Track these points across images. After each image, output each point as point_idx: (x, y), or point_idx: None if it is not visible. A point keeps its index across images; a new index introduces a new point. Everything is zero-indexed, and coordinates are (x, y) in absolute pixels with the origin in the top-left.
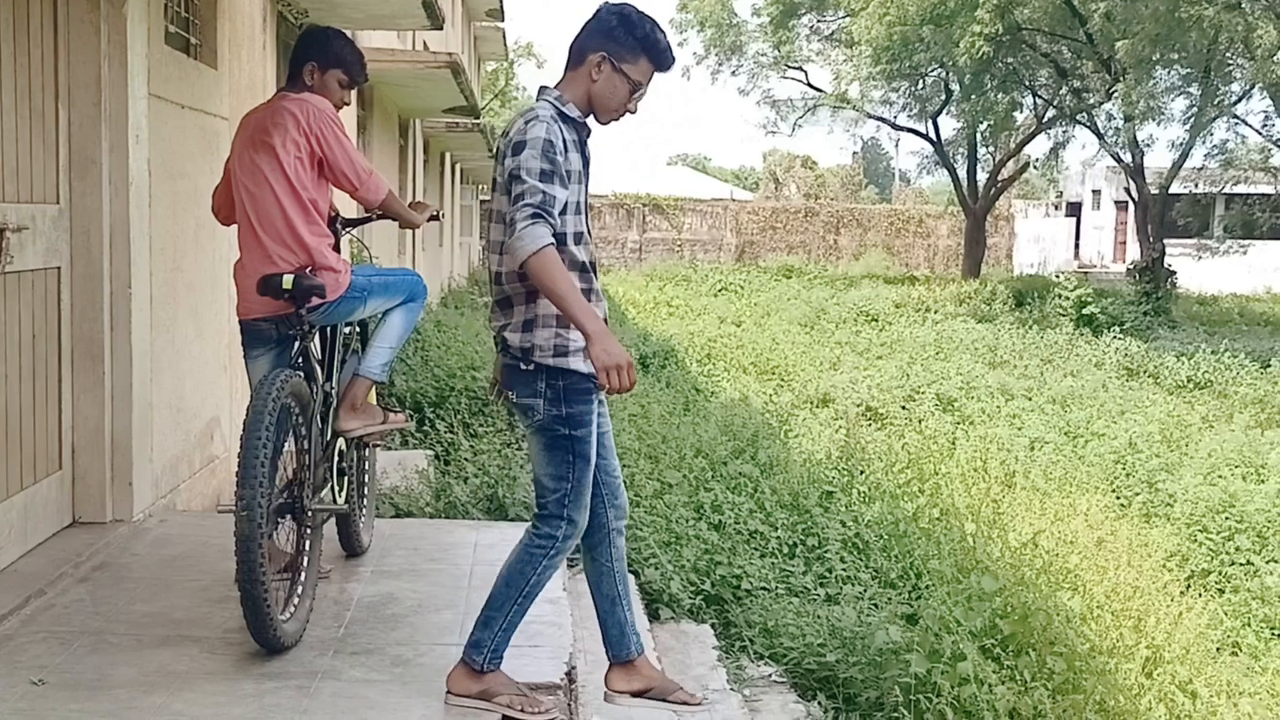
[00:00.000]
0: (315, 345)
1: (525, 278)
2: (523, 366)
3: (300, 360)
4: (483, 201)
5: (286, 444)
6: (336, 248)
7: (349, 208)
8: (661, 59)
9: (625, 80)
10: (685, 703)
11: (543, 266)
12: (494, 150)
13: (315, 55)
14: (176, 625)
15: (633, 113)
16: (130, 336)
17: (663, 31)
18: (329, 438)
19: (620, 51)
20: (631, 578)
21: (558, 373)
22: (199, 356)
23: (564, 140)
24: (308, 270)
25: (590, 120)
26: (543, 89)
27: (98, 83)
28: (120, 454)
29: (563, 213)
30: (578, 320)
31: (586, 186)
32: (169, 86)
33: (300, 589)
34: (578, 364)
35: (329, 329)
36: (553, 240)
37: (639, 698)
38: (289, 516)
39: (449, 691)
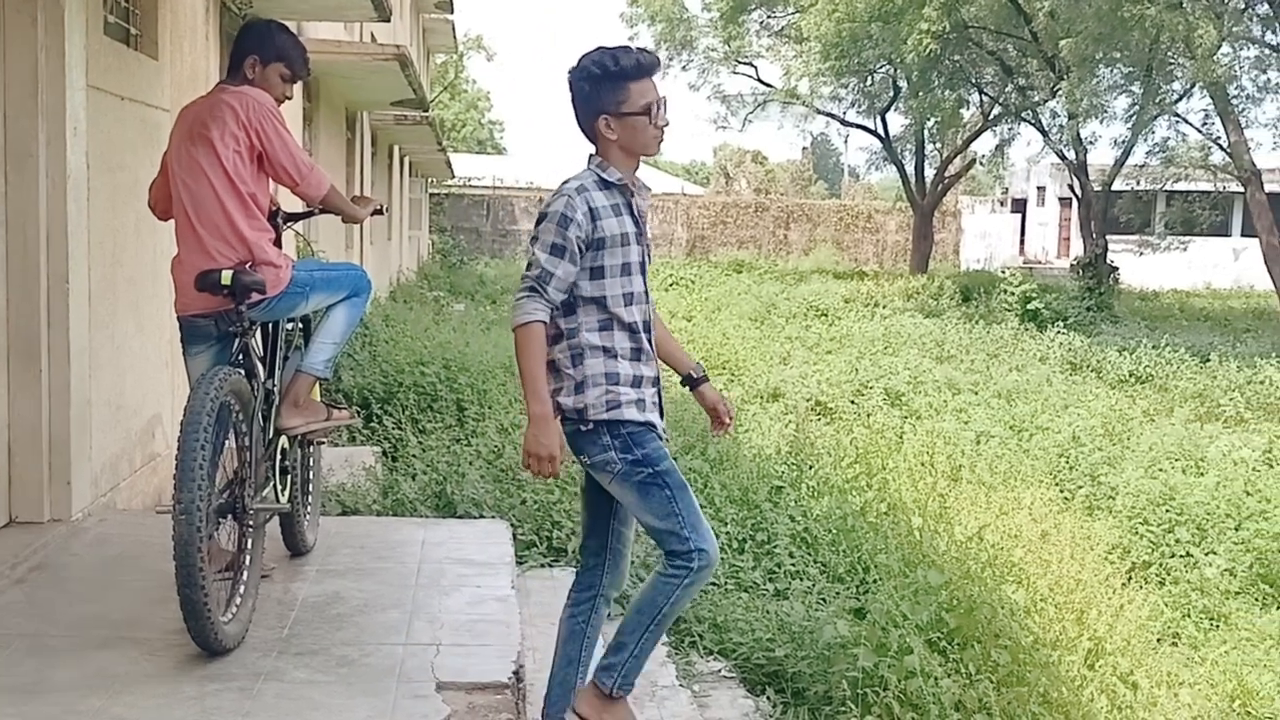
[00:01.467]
0: (256, 341)
1: (560, 339)
2: (583, 428)
3: (241, 357)
4: (432, 194)
5: (227, 442)
6: (278, 242)
7: (292, 202)
8: (643, 71)
9: (635, 115)
10: None
11: (524, 340)
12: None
13: (256, 49)
14: (116, 627)
15: (666, 124)
16: (68, 333)
17: (625, 50)
18: (271, 435)
19: (611, 101)
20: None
21: (616, 424)
22: (139, 352)
23: (592, 209)
24: (247, 265)
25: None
26: (590, 157)
27: (34, 74)
28: (58, 452)
29: (602, 276)
30: (528, 398)
31: (644, 245)
32: (108, 78)
33: (242, 589)
34: (631, 414)
35: (271, 325)
36: (541, 318)
37: None
38: (230, 516)
39: (574, 710)
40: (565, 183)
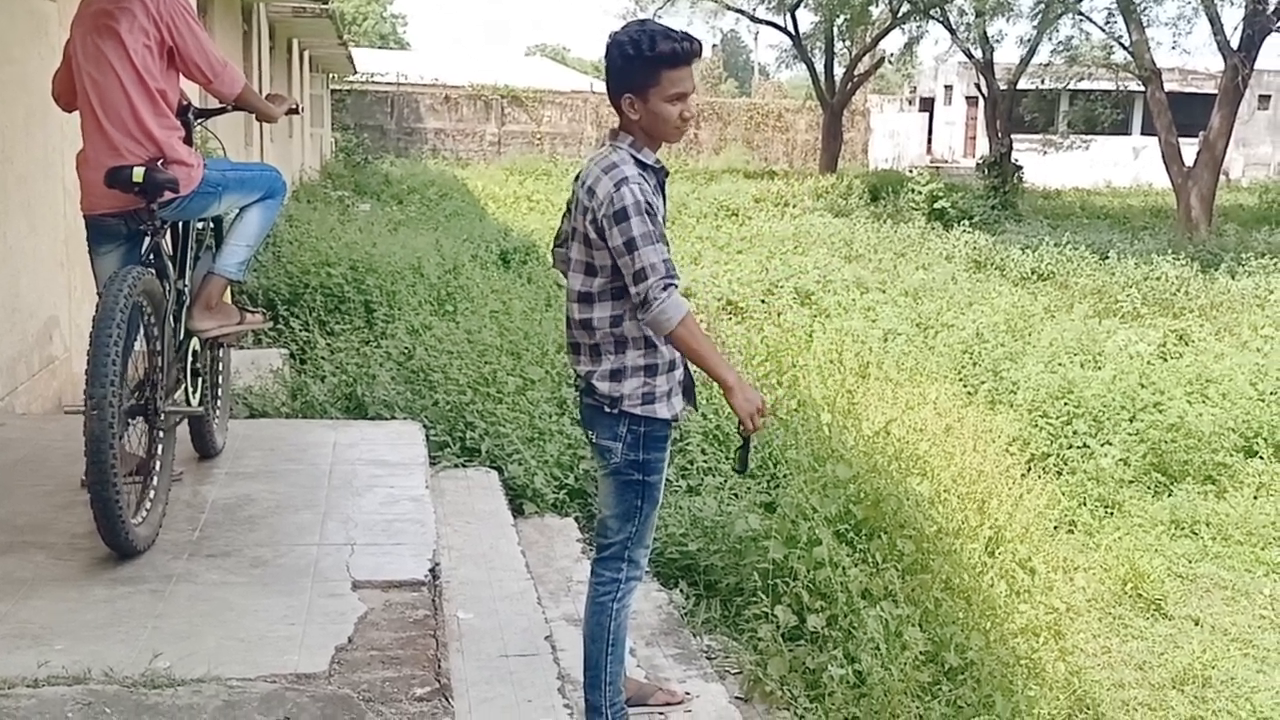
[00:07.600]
0: (166, 241)
1: (603, 325)
2: (607, 410)
3: (151, 257)
4: (334, 91)
5: (137, 344)
6: (189, 140)
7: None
8: (679, 60)
9: (660, 102)
10: (668, 703)
11: (687, 334)
12: (573, 196)
13: None
14: (20, 531)
15: (690, 117)
16: None
17: (665, 34)
18: (182, 338)
19: (640, 84)
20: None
21: (640, 419)
22: (34, 253)
23: (648, 190)
24: (159, 164)
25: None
26: (614, 133)
27: None
28: None
29: None
30: (717, 374)
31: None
32: None
33: (153, 492)
34: (662, 410)
35: (181, 225)
36: (688, 307)
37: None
38: (140, 418)
39: None
40: (612, 165)
